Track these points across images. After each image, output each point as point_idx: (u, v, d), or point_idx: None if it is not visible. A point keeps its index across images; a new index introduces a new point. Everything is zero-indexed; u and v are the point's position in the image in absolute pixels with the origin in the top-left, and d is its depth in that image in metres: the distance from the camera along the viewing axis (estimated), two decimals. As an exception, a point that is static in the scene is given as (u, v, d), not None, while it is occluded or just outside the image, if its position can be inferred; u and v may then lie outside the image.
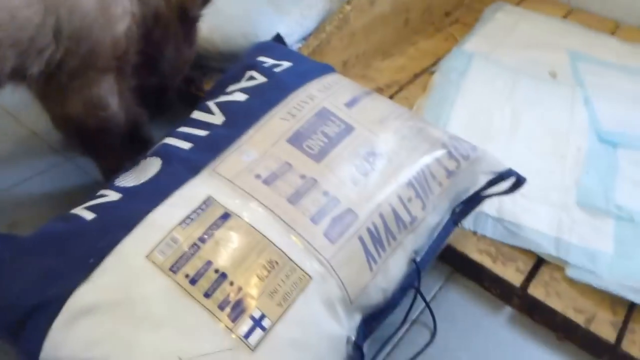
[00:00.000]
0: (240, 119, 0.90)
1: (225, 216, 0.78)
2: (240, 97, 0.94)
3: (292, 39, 1.34)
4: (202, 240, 0.76)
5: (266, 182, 0.82)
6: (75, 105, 0.98)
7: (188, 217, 0.78)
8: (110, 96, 1.01)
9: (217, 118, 0.91)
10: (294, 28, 1.36)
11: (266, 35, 1.28)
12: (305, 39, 1.37)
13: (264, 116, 0.90)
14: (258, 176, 0.83)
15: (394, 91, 1.43)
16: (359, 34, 1.43)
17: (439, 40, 1.64)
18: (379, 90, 1.41)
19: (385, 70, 1.50)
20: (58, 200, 1.09)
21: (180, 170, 0.84)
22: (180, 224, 0.77)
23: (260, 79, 0.97)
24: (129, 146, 1.08)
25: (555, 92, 1.43)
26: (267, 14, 1.35)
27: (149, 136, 1.15)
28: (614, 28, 1.76)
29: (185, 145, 0.89)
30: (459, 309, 0.99)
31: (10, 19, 0.82)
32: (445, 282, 1.03)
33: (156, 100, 1.18)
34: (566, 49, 1.59)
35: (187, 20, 1.11)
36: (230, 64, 1.24)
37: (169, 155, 0.88)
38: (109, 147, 1.06)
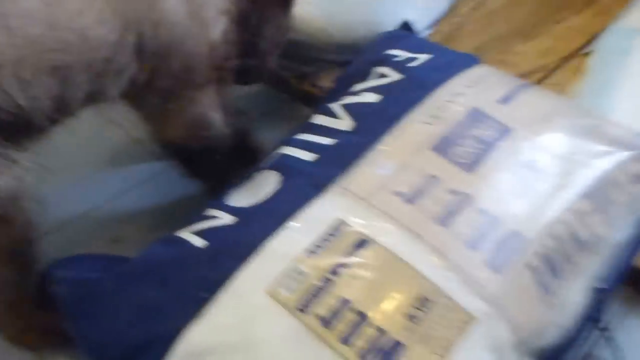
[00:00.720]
0: (373, 124, 0.79)
1: (361, 243, 0.67)
2: (372, 97, 0.83)
3: (420, 26, 1.22)
4: (334, 272, 0.65)
5: (408, 200, 0.70)
6: (175, 129, 0.90)
7: (315, 244, 0.67)
8: (213, 112, 0.91)
9: (345, 123, 0.80)
10: (422, 13, 1.24)
11: (391, 23, 1.18)
12: (435, 24, 1.26)
13: (402, 120, 0.79)
14: (398, 193, 0.71)
15: (540, 78, 1.25)
16: (497, 14, 1.30)
17: (590, 15, 1.44)
18: (522, 78, 1.24)
19: (527, 53, 1.33)
20: (163, 212, 1.06)
21: (303, 187, 0.74)
22: (306, 252, 0.66)
23: (393, 76, 0.85)
24: (237, 159, 0.99)
25: None
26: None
27: (259, 144, 1.05)
28: None
29: (308, 156, 0.78)
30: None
31: (80, 41, 0.71)
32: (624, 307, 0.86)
33: (247, 81, 1.08)
34: None
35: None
36: (348, 56, 1.15)
37: (289, 169, 0.78)
38: (216, 165, 0.97)
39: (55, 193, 0.99)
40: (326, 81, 1.18)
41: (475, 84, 0.84)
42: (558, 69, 1.28)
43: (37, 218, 0.77)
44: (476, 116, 0.78)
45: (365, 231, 0.66)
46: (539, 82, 1.24)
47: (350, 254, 0.65)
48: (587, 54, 1.29)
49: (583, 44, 1.34)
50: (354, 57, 1.07)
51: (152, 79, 0.81)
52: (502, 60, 1.30)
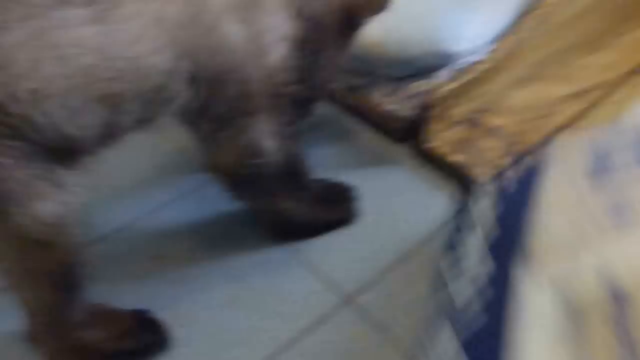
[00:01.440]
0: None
1: None
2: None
3: (480, 42, 1.24)
4: None
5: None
6: (227, 156, 0.89)
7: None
8: (267, 140, 0.89)
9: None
10: (484, 28, 1.25)
11: (452, 38, 1.20)
12: (498, 39, 1.26)
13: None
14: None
15: (602, 94, 1.25)
16: (559, 28, 1.30)
17: (657, 27, 1.42)
18: (582, 94, 1.25)
19: (590, 68, 1.32)
20: (203, 228, 1.07)
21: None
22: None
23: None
24: (285, 187, 0.98)
25: None
26: (453, 13, 1.24)
27: (306, 170, 1.03)
28: None
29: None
30: None
31: (133, 69, 0.71)
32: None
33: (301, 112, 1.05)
34: None
35: (351, 26, 0.98)
36: (401, 71, 1.19)
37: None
38: (263, 189, 0.96)
39: (97, 205, 1.06)
40: (378, 95, 1.21)
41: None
42: (622, 85, 1.27)
43: (79, 240, 0.78)
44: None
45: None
46: (600, 99, 1.24)
47: None
48: (651, 70, 1.29)
49: (648, 57, 1.34)
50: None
51: (206, 105, 0.80)
52: (564, 75, 1.30)
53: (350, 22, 0.96)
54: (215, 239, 1.03)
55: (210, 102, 0.81)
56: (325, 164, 1.13)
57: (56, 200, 0.72)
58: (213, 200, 1.09)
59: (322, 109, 1.21)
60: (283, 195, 0.97)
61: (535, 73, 1.28)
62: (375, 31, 1.15)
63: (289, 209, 0.99)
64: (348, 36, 0.98)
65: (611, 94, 1.25)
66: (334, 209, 1.06)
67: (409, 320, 0.91)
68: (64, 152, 0.72)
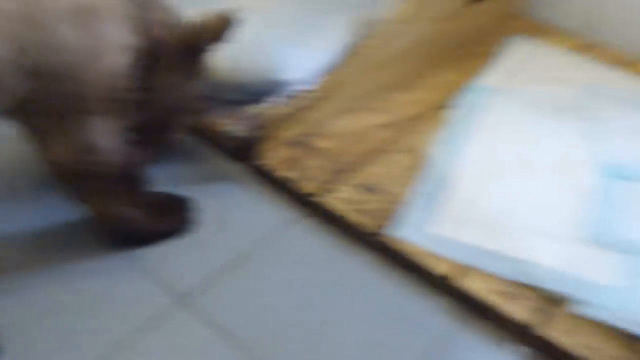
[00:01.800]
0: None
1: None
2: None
3: (308, 73, 1.36)
4: None
5: None
6: (62, 151, 0.91)
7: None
8: (104, 140, 0.93)
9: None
10: (312, 61, 1.37)
11: (283, 68, 1.30)
12: (324, 73, 1.39)
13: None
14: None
15: (408, 126, 1.45)
16: (377, 68, 1.46)
17: (457, 74, 1.66)
18: (393, 124, 1.43)
19: (401, 103, 1.52)
20: (39, 234, 1.09)
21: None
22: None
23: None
24: (122, 190, 1.02)
25: (568, 127, 1.44)
26: (285, 46, 1.36)
27: (144, 176, 1.08)
28: (630, 63, 1.77)
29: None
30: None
31: None
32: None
33: (158, 138, 1.13)
34: (581, 83, 1.61)
35: (193, 54, 1.04)
36: (240, 95, 1.28)
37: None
38: (99, 190, 0.99)
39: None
40: (217, 117, 1.29)
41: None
42: (425, 118, 1.48)
43: None
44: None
45: None
46: (408, 129, 1.43)
47: None
48: (449, 107, 1.51)
49: (449, 97, 1.56)
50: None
51: (43, 101, 0.85)
52: (375, 107, 1.48)
53: (191, 49, 1.03)
54: (49, 246, 1.04)
55: (47, 97, 0.85)
56: (166, 179, 1.19)
57: None
58: (48, 207, 1.11)
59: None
60: (120, 199, 1.01)
61: (355, 105, 1.45)
62: (216, 58, 1.21)
63: (125, 214, 1.03)
64: (191, 62, 1.05)
65: (418, 124, 1.45)
66: (170, 218, 1.11)
67: (243, 317, 0.99)
68: None
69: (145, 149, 1.08)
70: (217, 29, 1.01)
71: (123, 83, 0.91)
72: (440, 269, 1.07)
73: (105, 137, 0.93)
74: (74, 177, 0.96)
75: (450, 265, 1.08)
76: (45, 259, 1.05)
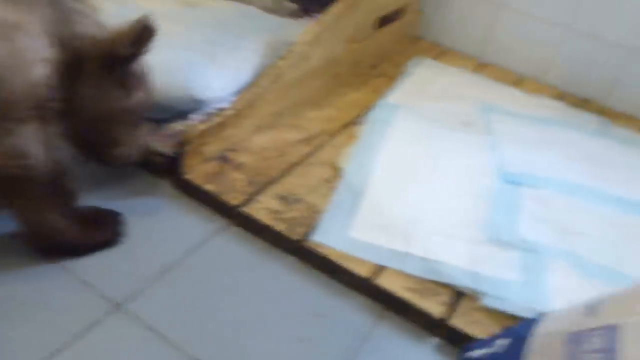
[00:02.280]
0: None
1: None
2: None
3: (226, 92, 1.43)
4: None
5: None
6: None
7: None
8: (32, 145, 0.96)
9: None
10: (229, 81, 1.44)
11: (197, 88, 1.36)
12: (239, 92, 1.45)
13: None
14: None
15: (323, 141, 1.54)
16: (291, 87, 1.54)
17: (365, 92, 1.77)
18: (309, 140, 1.52)
19: (315, 120, 1.61)
20: None
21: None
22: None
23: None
24: (52, 198, 1.03)
25: (468, 139, 1.59)
26: (203, 67, 1.41)
27: (74, 188, 1.10)
28: (518, 81, 1.96)
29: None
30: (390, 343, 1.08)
31: None
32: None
33: (100, 151, 1.15)
34: (477, 100, 1.77)
35: (113, 62, 1.04)
36: (162, 113, 1.33)
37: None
38: (29, 197, 1.01)
39: None
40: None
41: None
42: (339, 133, 1.58)
43: None
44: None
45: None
46: (323, 144, 1.52)
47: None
48: (360, 123, 1.62)
49: (359, 114, 1.67)
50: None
51: None
52: (296, 124, 1.57)
53: (112, 58, 1.04)
54: None
55: None
56: (95, 193, 1.22)
57: None
58: None
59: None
60: (48, 207, 1.03)
61: (272, 122, 1.53)
62: None
63: (54, 223, 1.05)
64: (113, 71, 1.06)
65: (332, 139, 1.54)
66: (100, 231, 1.14)
67: (174, 320, 1.03)
68: None
69: (89, 160, 1.14)
70: (134, 36, 1.02)
71: (45, 92, 0.96)
72: (359, 270, 1.15)
73: (33, 142, 0.96)
74: (3, 181, 0.97)
75: (369, 267, 1.16)
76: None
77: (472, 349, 1.03)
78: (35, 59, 0.93)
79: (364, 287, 1.15)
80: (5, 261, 1.07)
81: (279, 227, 1.21)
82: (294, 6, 1.97)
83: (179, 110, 1.37)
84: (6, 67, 0.89)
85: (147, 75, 1.14)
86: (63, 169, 1.05)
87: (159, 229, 1.19)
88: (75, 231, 1.08)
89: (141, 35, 1.02)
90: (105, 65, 1.04)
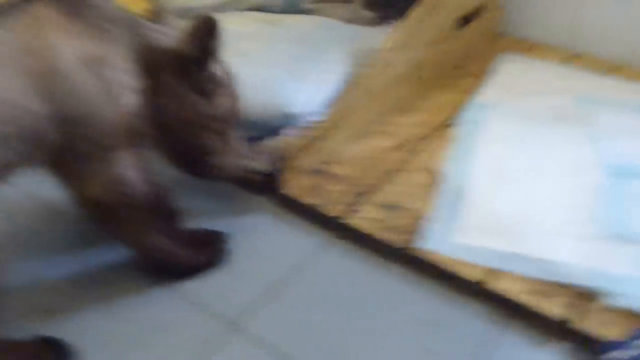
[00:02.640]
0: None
1: None
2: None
3: (315, 105, 1.42)
4: None
5: None
6: (95, 187, 0.97)
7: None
8: (131, 171, 0.99)
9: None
10: (314, 95, 1.43)
11: (287, 104, 1.36)
12: (327, 105, 1.44)
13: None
14: None
15: (417, 145, 1.50)
16: (377, 95, 1.52)
17: (452, 93, 1.72)
18: (402, 146, 1.49)
19: (405, 125, 1.58)
20: (86, 272, 1.13)
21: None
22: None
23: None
24: (155, 221, 1.06)
25: (565, 133, 1.51)
26: (286, 82, 1.41)
27: (177, 209, 1.13)
28: (613, 68, 1.86)
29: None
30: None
31: (12, 110, 0.84)
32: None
33: (194, 166, 1.15)
34: (572, 92, 1.68)
35: (188, 66, 1.04)
36: (255, 132, 1.33)
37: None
38: (134, 223, 1.03)
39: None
40: None
41: None
42: (429, 138, 1.54)
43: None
44: None
45: None
46: (413, 149, 1.49)
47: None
48: (452, 125, 1.57)
49: (449, 116, 1.63)
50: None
51: (72, 144, 0.91)
52: (384, 131, 1.54)
53: (185, 64, 1.03)
54: (94, 284, 1.07)
55: (75, 142, 0.92)
56: (198, 215, 1.23)
57: None
58: (88, 250, 1.15)
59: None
60: (154, 231, 1.05)
61: (363, 131, 1.51)
62: None
63: (160, 246, 1.07)
64: (191, 76, 1.04)
65: (425, 144, 1.50)
66: (206, 251, 1.15)
67: (292, 336, 1.02)
68: None
69: (188, 173, 1.14)
70: (196, 33, 1.01)
71: (135, 119, 0.98)
72: (472, 275, 1.11)
73: (131, 169, 0.99)
74: (108, 212, 1.00)
75: (481, 271, 1.12)
76: (93, 296, 1.08)
77: (607, 350, 0.96)
78: (123, 90, 0.95)
79: (477, 292, 1.10)
80: (120, 287, 1.10)
81: (384, 235, 1.19)
82: (371, 14, 1.95)
83: (271, 127, 1.37)
84: (97, 102, 0.92)
85: (229, 81, 1.12)
86: (163, 192, 1.08)
87: (263, 246, 1.19)
88: (181, 252, 1.10)
89: (203, 31, 1.01)
90: (178, 71, 1.04)
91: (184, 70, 1.04)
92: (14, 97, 0.84)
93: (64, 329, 1.02)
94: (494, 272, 1.11)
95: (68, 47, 0.89)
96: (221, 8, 1.84)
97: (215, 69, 1.07)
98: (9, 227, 0.89)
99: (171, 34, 1.05)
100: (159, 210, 1.07)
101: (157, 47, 1.02)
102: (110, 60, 0.94)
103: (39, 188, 1.08)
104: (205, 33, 1.01)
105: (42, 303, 1.08)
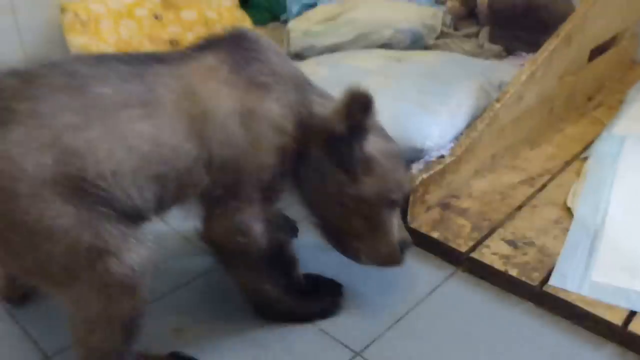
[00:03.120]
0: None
1: None
2: None
3: (444, 140, 1.42)
4: None
5: None
6: (216, 231, 1.00)
7: None
8: (254, 223, 1.00)
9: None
10: (445, 128, 1.43)
11: (417, 137, 1.36)
12: (456, 138, 1.45)
13: None
14: None
15: (547, 180, 1.47)
16: (507, 128, 1.51)
17: (584, 125, 1.68)
18: (531, 180, 1.46)
19: (534, 159, 1.55)
20: (218, 305, 1.16)
21: None
22: None
23: None
24: (268, 270, 1.07)
25: None
26: (417, 116, 1.42)
27: (293, 259, 1.12)
28: None
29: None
30: None
31: (174, 154, 0.91)
32: None
33: (342, 245, 1.12)
34: None
35: (335, 142, 1.00)
36: None
37: None
38: (247, 268, 1.05)
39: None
40: None
41: None
42: (562, 172, 1.50)
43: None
44: None
45: None
46: (546, 184, 1.45)
47: None
48: (584, 159, 1.52)
49: (582, 149, 1.58)
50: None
51: (212, 186, 0.96)
52: (514, 166, 1.53)
53: (332, 139, 1.01)
54: (230, 315, 1.11)
55: (214, 186, 0.97)
56: (320, 257, 1.24)
57: (139, 252, 0.87)
58: (222, 282, 1.17)
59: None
60: (264, 278, 1.07)
61: (490, 165, 1.50)
62: None
63: (267, 292, 1.09)
64: (341, 154, 1.02)
65: (555, 178, 1.47)
66: (317, 301, 1.14)
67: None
68: (134, 217, 0.89)
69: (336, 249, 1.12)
70: (345, 109, 0.98)
71: (277, 177, 1.01)
72: (610, 316, 1.06)
73: (256, 221, 1.01)
74: (226, 254, 1.05)
75: (620, 313, 1.07)
76: (228, 324, 1.13)
77: None
78: (269, 146, 0.98)
79: (615, 335, 1.05)
80: (254, 316, 1.14)
81: (512, 272, 1.17)
82: (497, 47, 1.94)
83: (399, 161, 1.38)
84: (241, 152, 0.96)
85: (380, 161, 1.04)
86: (281, 244, 1.08)
87: (388, 278, 1.21)
88: (290, 301, 1.11)
89: (356, 107, 0.97)
90: (325, 145, 1.02)
91: (333, 146, 1.01)
92: (174, 140, 0.91)
93: (196, 348, 1.07)
94: (635, 315, 1.06)
95: (227, 97, 0.95)
96: (345, 46, 1.91)
97: (367, 148, 1.02)
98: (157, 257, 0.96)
99: (329, 104, 1.04)
100: (273, 260, 1.08)
101: (316, 114, 1.02)
102: (263, 116, 0.97)
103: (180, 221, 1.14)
104: (358, 109, 0.97)
105: (177, 323, 1.14)
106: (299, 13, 2.19)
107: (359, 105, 0.97)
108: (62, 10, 1.89)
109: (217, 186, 0.97)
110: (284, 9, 2.41)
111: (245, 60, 0.99)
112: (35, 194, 0.79)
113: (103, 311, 0.87)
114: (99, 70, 0.90)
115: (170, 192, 0.93)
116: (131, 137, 0.87)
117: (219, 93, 0.95)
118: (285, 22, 2.15)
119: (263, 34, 1.10)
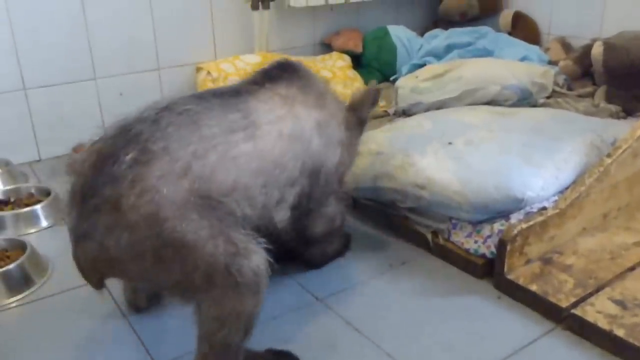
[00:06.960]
0: None
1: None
2: None
3: (547, 192, 1.37)
4: None
5: None
6: (318, 225, 1.27)
7: None
8: (337, 207, 1.29)
9: None
10: (549, 181, 1.38)
11: (521, 188, 1.32)
12: (562, 191, 1.39)
13: None
14: None
15: (666, 245, 1.35)
16: (621, 187, 1.42)
17: None
18: (646, 243, 1.35)
19: (651, 222, 1.44)
20: (312, 340, 1.15)
21: None
22: None
23: None
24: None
25: None
26: (521, 168, 1.38)
27: (349, 234, 1.44)
28: None
29: None
30: None
31: (277, 168, 1.08)
32: None
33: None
34: None
35: (359, 122, 1.32)
36: (481, 214, 1.32)
37: None
38: (327, 247, 1.36)
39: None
40: (459, 236, 1.35)
41: None
42: (682, 237, 1.38)
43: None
44: None
45: None
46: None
47: None
48: None
49: None
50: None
51: (310, 190, 1.17)
52: (628, 227, 1.42)
53: (357, 118, 1.33)
54: (320, 343, 1.12)
55: (311, 188, 1.18)
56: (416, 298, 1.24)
57: (261, 254, 0.97)
58: (317, 316, 1.19)
59: (411, 249, 1.42)
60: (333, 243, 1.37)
61: (600, 224, 1.41)
62: (456, 182, 1.32)
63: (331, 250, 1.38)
64: (356, 134, 1.34)
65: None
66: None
67: None
68: (245, 225, 1.01)
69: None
70: (367, 103, 1.32)
71: (344, 166, 1.28)
72: None
73: (339, 205, 1.30)
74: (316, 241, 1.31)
75: None
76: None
77: None
78: (337, 144, 1.24)
79: None
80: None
81: (619, 332, 1.07)
82: (614, 107, 1.86)
83: (500, 211, 1.33)
84: (325, 155, 1.20)
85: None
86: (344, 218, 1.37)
87: (481, 328, 1.14)
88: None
89: (371, 100, 1.33)
90: (353, 126, 1.32)
91: (358, 126, 1.33)
92: (275, 153, 1.08)
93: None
94: None
95: (308, 116, 1.18)
96: (451, 103, 1.91)
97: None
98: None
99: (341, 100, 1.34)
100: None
101: (347, 108, 1.31)
102: (330, 123, 1.22)
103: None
104: (372, 102, 1.34)
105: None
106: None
107: (373, 100, 1.34)
108: (197, 69, 2.26)
109: (315, 189, 1.18)
110: (394, 70, 2.46)
111: (307, 86, 1.22)
112: (179, 215, 0.92)
113: (233, 309, 0.95)
114: (202, 106, 1.05)
115: (272, 200, 1.08)
116: (240, 157, 1.02)
117: (304, 115, 1.17)
118: (395, 81, 2.18)
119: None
